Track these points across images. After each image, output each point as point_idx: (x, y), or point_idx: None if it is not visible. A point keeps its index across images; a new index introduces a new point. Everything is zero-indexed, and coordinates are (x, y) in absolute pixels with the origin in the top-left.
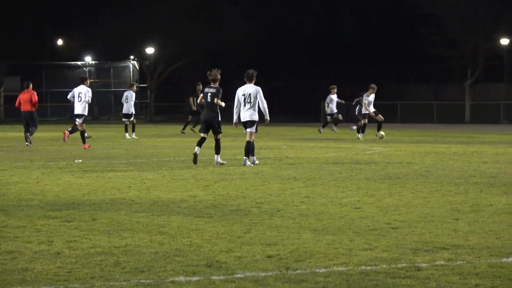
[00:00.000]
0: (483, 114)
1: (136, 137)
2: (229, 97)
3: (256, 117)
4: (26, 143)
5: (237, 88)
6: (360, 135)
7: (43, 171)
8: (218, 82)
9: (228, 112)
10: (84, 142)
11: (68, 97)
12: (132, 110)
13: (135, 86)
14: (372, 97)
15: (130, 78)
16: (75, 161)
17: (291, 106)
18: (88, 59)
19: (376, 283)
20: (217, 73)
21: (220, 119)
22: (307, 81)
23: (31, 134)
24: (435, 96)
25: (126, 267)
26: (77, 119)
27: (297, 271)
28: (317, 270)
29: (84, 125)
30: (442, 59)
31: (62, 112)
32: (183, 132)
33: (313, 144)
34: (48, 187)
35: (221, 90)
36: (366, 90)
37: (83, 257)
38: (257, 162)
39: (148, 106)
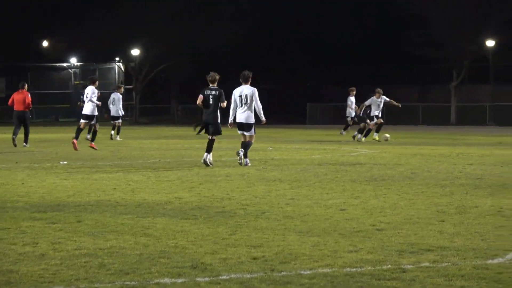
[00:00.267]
0: (469, 115)
1: (121, 139)
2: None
3: (252, 120)
4: (24, 144)
5: (227, 89)
6: (361, 136)
7: (28, 173)
8: (216, 83)
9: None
10: (76, 138)
11: (81, 98)
12: (121, 112)
13: (122, 88)
14: (378, 100)
15: (116, 79)
16: (60, 162)
17: (279, 108)
18: (74, 60)
19: (361, 285)
20: (215, 75)
21: (219, 122)
22: (294, 82)
23: (26, 139)
24: (421, 98)
25: (111, 269)
26: (86, 120)
27: (282, 273)
28: (302, 272)
29: (97, 125)
30: (428, 61)
31: (47, 113)
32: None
33: (299, 146)
34: (33, 189)
35: (223, 93)
36: (373, 93)
37: (68, 259)
38: (242, 162)
39: (134, 108)
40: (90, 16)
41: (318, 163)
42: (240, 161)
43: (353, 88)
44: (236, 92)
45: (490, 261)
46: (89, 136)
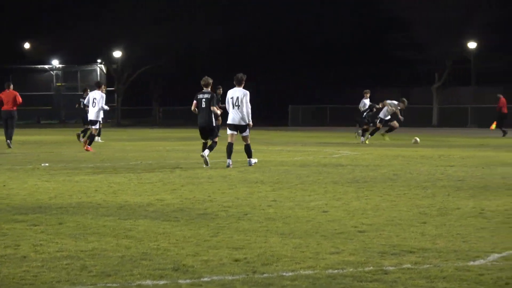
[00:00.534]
0: (451, 117)
1: (102, 141)
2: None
3: (245, 121)
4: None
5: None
6: (363, 138)
7: (9, 175)
8: (210, 87)
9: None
10: (89, 144)
11: (85, 102)
12: (101, 114)
13: (103, 90)
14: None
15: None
16: (42, 164)
17: (262, 110)
18: (56, 62)
19: (343, 287)
20: (208, 79)
21: (215, 124)
22: (276, 84)
23: (10, 137)
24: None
25: (92, 271)
26: (92, 126)
27: (264, 275)
28: (284, 274)
29: (99, 129)
30: (409, 63)
31: (29, 115)
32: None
33: (281, 147)
34: (15, 191)
35: (215, 96)
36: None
37: (50, 261)
38: (231, 165)
39: (116, 109)
40: (72, 18)
41: (300, 165)
42: (254, 162)
43: (368, 90)
44: (229, 94)
45: (471, 263)
46: (82, 139)
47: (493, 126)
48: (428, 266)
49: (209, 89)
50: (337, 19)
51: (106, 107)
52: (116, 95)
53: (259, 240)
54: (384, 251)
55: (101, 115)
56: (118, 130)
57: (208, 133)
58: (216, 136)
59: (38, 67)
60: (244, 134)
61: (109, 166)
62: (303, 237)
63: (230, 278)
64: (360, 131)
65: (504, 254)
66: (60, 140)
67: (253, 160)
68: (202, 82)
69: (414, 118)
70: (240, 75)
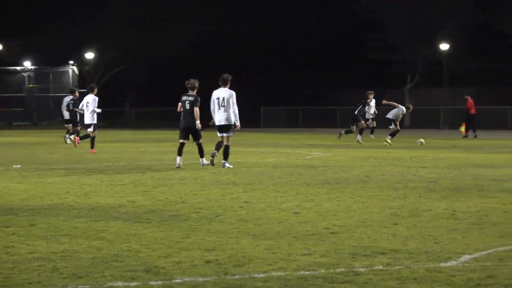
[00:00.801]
0: (423, 119)
1: (71, 142)
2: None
3: (231, 121)
4: None
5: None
6: (359, 137)
7: None
8: (196, 90)
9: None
10: (92, 147)
11: (80, 107)
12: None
13: (76, 92)
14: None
15: (70, 83)
16: (14, 166)
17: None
18: (28, 64)
19: None
20: (195, 82)
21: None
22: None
23: None
24: (375, 101)
25: (64, 273)
26: (88, 129)
27: (236, 276)
28: (256, 275)
29: (95, 132)
30: (382, 64)
31: (1, 117)
32: None
33: (253, 149)
34: None
35: (198, 99)
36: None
37: (21, 263)
38: (228, 165)
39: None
40: (45, 19)
41: (273, 166)
42: (227, 166)
43: (371, 91)
44: (215, 95)
45: (443, 264)
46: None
47: (462, 128)
48: (399, 267)
49: (195, 92)
50: (314, 20)
51: (98, 110)
52: None
53: (230, 241)
54: (356, 252)
55: (95, 118)
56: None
57: (191, 133)
58: (200, 137)
59: (10, 69)
60: (227, 134)
61: (81, 168)
62: (275, 238)
63: (201, 279)
64: (343, 132)
65: (475, 255)
66: (32, 141)
67: (227, 164)
68: (188, 85)
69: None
70: (225, 75)
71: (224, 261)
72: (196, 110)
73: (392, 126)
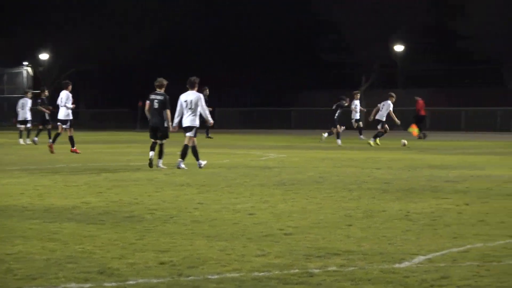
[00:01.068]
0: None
1: (30, 143)
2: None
3: (196, 123)
4: None
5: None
6: (339, 141)
7: None
8: (164, 89)
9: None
10: (73, 146)
11: (57, 102)
12: (28, 117)
13: (30, 93)
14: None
15: (24, 84)
16: None
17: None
18: None
19: None
20: (163, 80)
21: (166, 125)
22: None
23: None
24: (331, 103)
25: (17, 274)
26: (62, 125)
27: (190, 278)
28: (210, 277)
29: (72, 129)
30: (337, 66)
31: None
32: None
33: (209, 150)
34: None
35: (168, 98)
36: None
37: None
38: (203, 164)
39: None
40: None
41: (227, 168)
42: (182, 167)
43: (358, 91)
44: (182, 98)
45: (397, 265)
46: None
47: (412, 129)
48: (353, 268)
49: (163, 90)
50: (271, 21)
51: (70, 106)
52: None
53: (185, 243)
54: (310, 253)
55: (71, 114)
56: (44, 132)
57: (158, 134)
58: (165, 137)
59: None
60: (189, 134)
61: (35, 169)
62: (229, 239)
63: (155, 281)
64: (326, 135)
65: (429, 256)
66: None
67: (183, 165)
68: (156, 84)
69: (342, 121)
70: (193, 78)
71: (178, 263)
72: (168, 112)
73: (379, 127)
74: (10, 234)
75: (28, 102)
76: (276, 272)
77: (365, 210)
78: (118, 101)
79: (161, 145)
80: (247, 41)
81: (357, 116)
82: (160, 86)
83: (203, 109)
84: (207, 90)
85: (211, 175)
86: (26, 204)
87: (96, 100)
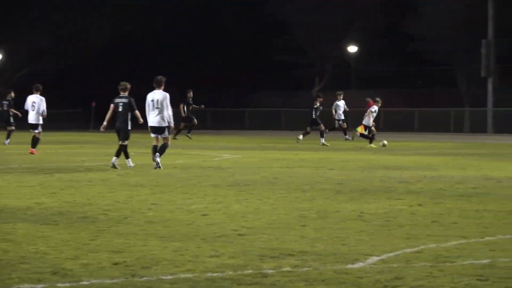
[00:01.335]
0: (331, 121)
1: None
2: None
3: (164, 124)
4: None
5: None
6: (323, 140)
7: None
8: (127, 92)
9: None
10: (33, 147)
11: (25, 107)
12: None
13: None
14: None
15: None
16: None
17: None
18: None
19: None
20: (126, 84)
21: (129, 128)
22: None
23: None
24: (284, 104)
25: None
26: (33, 130)
27: (144, 278)
28: (164, 277)
29: (40, 132)
30: (291, 66)
31: None
32: (175, 138)
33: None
34: None
35: (133, 100)
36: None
37: None
38: (158, 166)
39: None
40: None
41: (181, 168)
42: (156, 166)
43: (341, 92)
44: (149, 97)
45: (350, 266)
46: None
47: (359, 129)
48: (307, 269)
49: (127, 93)
50: (228, 22)
51: (45, 112)
52: None
53: (138, 243)
54: (264, 254)
55: (41, 118)
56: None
57: (120, 134)
58: (126, 139)
59: None
60: (164, 135)
61: None
62: (183, 240)
63: (109, 281)
64: (301, 137)
65: (383, 256)
66: None
67: (158, 159)
68: (120, 87)
69: (295, 122)
70: (159, 77)
71: (132, 263)
72: (136, 113)
73: (366, 132)
74: None
75: None
76: (230, 273)
77: (319, 210)
78: (71, 102)
79: (121, 146)
80: (203, 41)
81: (342, 116)
82: (124, 89)
83: (167, 110)
84: (191, 92)
85: (165, 175)
86: None
87: (49, 100)
